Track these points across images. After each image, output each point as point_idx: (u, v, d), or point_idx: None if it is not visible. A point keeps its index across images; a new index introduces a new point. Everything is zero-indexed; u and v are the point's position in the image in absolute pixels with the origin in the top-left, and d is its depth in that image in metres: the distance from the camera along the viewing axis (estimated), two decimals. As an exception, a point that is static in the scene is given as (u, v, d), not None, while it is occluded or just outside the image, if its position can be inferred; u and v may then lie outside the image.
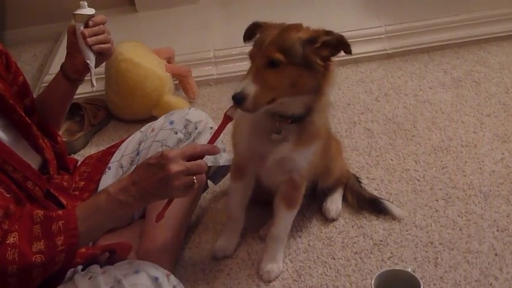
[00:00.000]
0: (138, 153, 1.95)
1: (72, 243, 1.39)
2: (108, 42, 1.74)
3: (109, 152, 1.98)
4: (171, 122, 1.96)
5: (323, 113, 1.74)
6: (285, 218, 1.88)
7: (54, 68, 3.05)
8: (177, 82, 2.86)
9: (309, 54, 1.56)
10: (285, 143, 1.70)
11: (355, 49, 2.99)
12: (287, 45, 1.55)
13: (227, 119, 1.57)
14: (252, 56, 1.59)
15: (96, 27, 1.71)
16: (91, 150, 2.58)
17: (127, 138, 2.03)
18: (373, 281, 1.60)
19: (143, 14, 3.56)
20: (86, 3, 1.70)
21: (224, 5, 3.63)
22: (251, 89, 1.53)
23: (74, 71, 1.76)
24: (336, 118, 2.62)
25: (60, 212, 1.43)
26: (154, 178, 1.44)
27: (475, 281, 1.81)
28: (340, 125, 2.57)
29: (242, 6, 3.52)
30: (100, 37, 1.72)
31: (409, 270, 1.64)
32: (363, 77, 2.92)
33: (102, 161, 1.95)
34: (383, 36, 3.08)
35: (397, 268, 1.75)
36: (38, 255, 1.34)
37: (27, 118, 1.62)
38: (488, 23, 3.09)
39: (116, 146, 2.00)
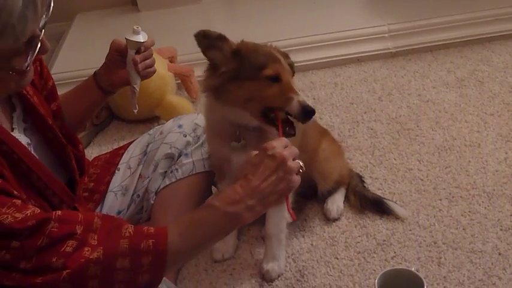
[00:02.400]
0: (145, 154, 1.96)
1: (159, 267, 1.28)
2: (153, 65, 1.74)
3: (117, 154, 1.99)
4: (180, 126, 1.98)
5: None
6: (273, 215, 1.85)
7: (57, 68, 3.06)
8: (180, 82, 2.86)
9: None
10: (247, 149, 1.66)
11: (358, 48, 3.05)
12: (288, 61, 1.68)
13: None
14: (279, 71, 1.59)
15: (146, 52, 1.70)
16: (93, 150, 2.58)
17: (134, 140, 2.05)
18: (376, 281, 1.59)
19: (145, 14, 3.56)
20: (140, 28, 1.68)
21: (226, 5, 3.63)
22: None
23: (109, 84, 1.76)
24: (339, 118, 2.62)
25: (152, 229, 1.31)
26: (268, 170, 1.36)
27: (479, 280, 1.80)
28: (343, 125, 2.56)
29: (244, 6, 3.52)
30: (148, 62, 1.71)
31: (413, 269, 1.64)
32: (366, 77, 2.91)
33: (110, 162, 1.96)
34: (386, 35, 3.07)
35: (400, 268, 1.74)
36: (121, 272, 1.26)
37: (63, 139, 1.59)
38: (492, 21, 3.09)
39: (124, 148, 2.02)
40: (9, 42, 1.23)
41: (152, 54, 1.74)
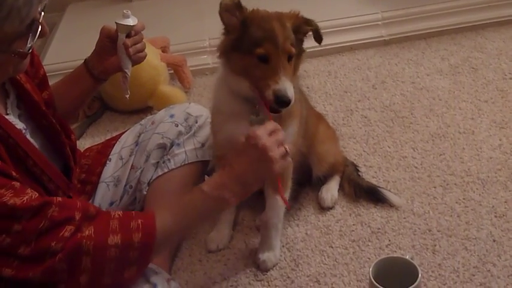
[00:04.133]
0: (137, 144, 1.95)
1: (148, 243, 1.35)
2: (144, 49, 1.74)
3: (109, 144, 1.98)
4: (172, 116, 1.97)
5: (296, 93, 1.73)
6: (275, 204, 1.85)
7: (49, 58, 3.04)
8: (172, 72, 2.85)
9: (297, 42, 1.64)
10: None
11: (351, 36, 3.03)
12: (293, 38, 1.61)
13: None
14: (269, 52, 1.57)
15: (137, 36, 1.70)
16: (86, 141, 2.57)
17: (126, 130, 2.03)
18: (371, 269, 1.59)
19: (138, 4, 3.53)
20: (130, 12, 1.67)
21: (219, -6, 3.60)
22: (291, 88, 1.56)
23: (101, 71, 1.75)
24: (333, 106, 2.61)
25: (139, 212, 1.43)
26: (250, 159, 1.46)
27: (473, 267, 1.80)
28: (337, 113, 2.56)
29: (237, -5, 3.49)
30: (138, 46, 1.71)
31: (407, 257, 1.64)
32: (359, 65, 2.90)
33: (102, 153, 1.95)
34: (380, 22, 3.06)
35: (395, 256, 1.74)
36: (113, 249, 1.31)
37: (57, 125, 1.59)
38: (485, 8, 3.08)
39: (116, 139, 2.00)
40: (14, 25, 1.25)
41: (143, 39, 1.73)
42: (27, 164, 1.41)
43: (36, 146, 1.48)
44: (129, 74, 1.73)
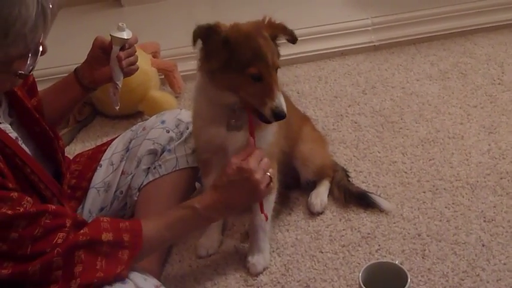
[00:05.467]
0: (127, 150, 1.95)
1: (137, 243, 1.46)
2: (136, 62, 1.76)
3: (100, 150, 1.98)
4: (163, 122, 1.98)
5: None
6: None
7: (39, 64, 3.02)
8: (163, 77, 2.84)
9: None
10: (242, 132, 1.73)
11: (341, 42, 3.04)
12: (277, 51, 1.68)
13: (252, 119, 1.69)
14: (262, 71, 1.60)
15: (130, 49, 1.72)
16: (76, 146, 2.56)
17: (117, 136, 2.04)
18: (360, 274, 1.60)
19: (128, 9, 3.53)
20: (125, 25, 1.69)
21: (209, -1, 3.61)
22: (284, 101, 1.63)
23: (91, 81, 1.76)
24: (323, 111, 2.62)
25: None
26: (242, 191, 1.63)
27: (463, 272, 1.81)
28: (327, 119, 2.56)
29: (226, 0, 3.50)
30: (131, 59, 1.74)
31: (397, 262, 1.64)
32: (349, 70, 2.91)
33: (93, 159, 1.95)
34: (369, 28, 3.07)
35: (384, 260, 1.75)
36: (105, 246, 1.41)
37: (50, 132, 1.61)
38: (474, 14, 3.09)
39: (107, 144, 2.01)
40: (19, 49, 1.29)
41: (136, 52, 1.75)
42: (25, 172, 1.43)
43: (30, 154, 1.49)
44: (120, 86, 1.74)
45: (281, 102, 1.61)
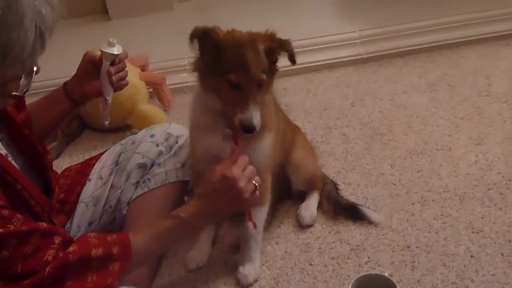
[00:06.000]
0: (117, 164, 1.95)
1: (127, 254, 1.47)
2: (126, 77, 1.77)
3: (89, 164, 1.97)
4: (152, 135, 1.97)
5: (270, 107, 1.81)
6: (256, 216, 1.84)
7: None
8: (152, 90, 2.84)
9: (270, 63, 1.69)
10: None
11: (330, 54, 3.05)
12: (265, 64, 1.66)
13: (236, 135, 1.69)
14: (240, 80, 1.62)
15: (120, 64, 1.73)
16: (64, 160, 2.55)
17: (106, 150, 2.03)
18: (350, 286, 1.60)
19: (117, 22, 3.53)
20: (116, 40, 1.69)
21: (198, 12, 3.62)
22: (258, 116, 1.64)
23: (80, 95, 1.75)
24: (312, 124, 2.62)
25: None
26: (225, 198, 1.62)
27: (452, 283, 1.82)
28: (316, 131, 2.57)
29: (216, 13, 3.51)
30: (121, 74, 1.75)
31: (386, 274, 1.64)
32: (338, 82, 2.93)
33: (81, 173, 1.94)
34: (357, 41, 3.10)
35: (374, 273, 1.75)
36: (95, 261, 1.41)
37: (40, 148, 1.60)
38: (460, 27, 3.13)
39: (96, 158, 2.00)
40: (16, 73, 1.30)
41: (126, 67, 1.76)
42: (16, 189, 1.42)
43: (19, 170, 1.49)
44: (110, 101, 1.75)
45: (251, 115, 1.62)
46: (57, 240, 1.38)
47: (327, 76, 2.99)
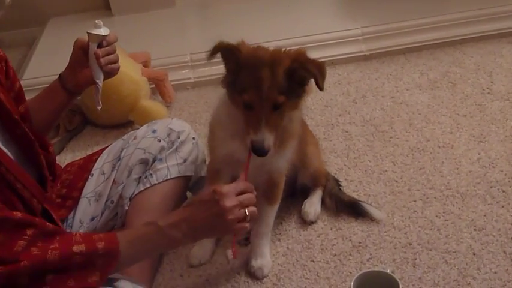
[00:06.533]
0: (119, 159, 1.94)
1: (112, 249, 1.43)
2: (117, 61, 1.74)
3: (91, 160, 1.97)
4: (154, 131, 1.97)
5: (295, 123, 1.80)
6: (268, 214, 1.90)
7: (29, 73, 3.03)
8: (154, 86, 2.84)
9: (293, 84, 1.62)
10: None
11: (332, 51, 3.05)
12: (284, 85, 1.59)
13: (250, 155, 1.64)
14: (253, 101, 1.59)
15: (109, 47, 1.70)
16: (66, 156, 2.55)
17: (108, 146, 2.03)
18: (352, 283, 1.60)
19: (119, 18, 3.53)
20: (102, 22, 1.68)
21: (200, 9, 3.61)
22: (270, 140, 1.59)
23: (75, 85, 1.74)
24: (313, 121, 2.62)
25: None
26: (207, 213, 1.53)
27: (454, 281, 1.82)
28: (318, 128, 2.57)
29: (219, 9, 3.51)
30: (111, 57, 1.71)
31: (388, 271, 1.65)
32: (340, 79, 2.92)
33: (84, 168, 1.94)
34: (360, 38, 3.09)
35: (376, 269, 1.75)
36: (78, 256, 1.37)
37: (30, 134, 1.59)
38: (463, 24, 3.12)
39: (98, 154, 2.00)
40: None
41: (115, 50, 1.73)
42: (7, 178, 1.41)
43: (10, 156, 1.48)
44: (100, 85, 1.71)
45: (261, 139, 1.58)
46: (29, 231, 1.35)
47: (328, 73, 2.89)
